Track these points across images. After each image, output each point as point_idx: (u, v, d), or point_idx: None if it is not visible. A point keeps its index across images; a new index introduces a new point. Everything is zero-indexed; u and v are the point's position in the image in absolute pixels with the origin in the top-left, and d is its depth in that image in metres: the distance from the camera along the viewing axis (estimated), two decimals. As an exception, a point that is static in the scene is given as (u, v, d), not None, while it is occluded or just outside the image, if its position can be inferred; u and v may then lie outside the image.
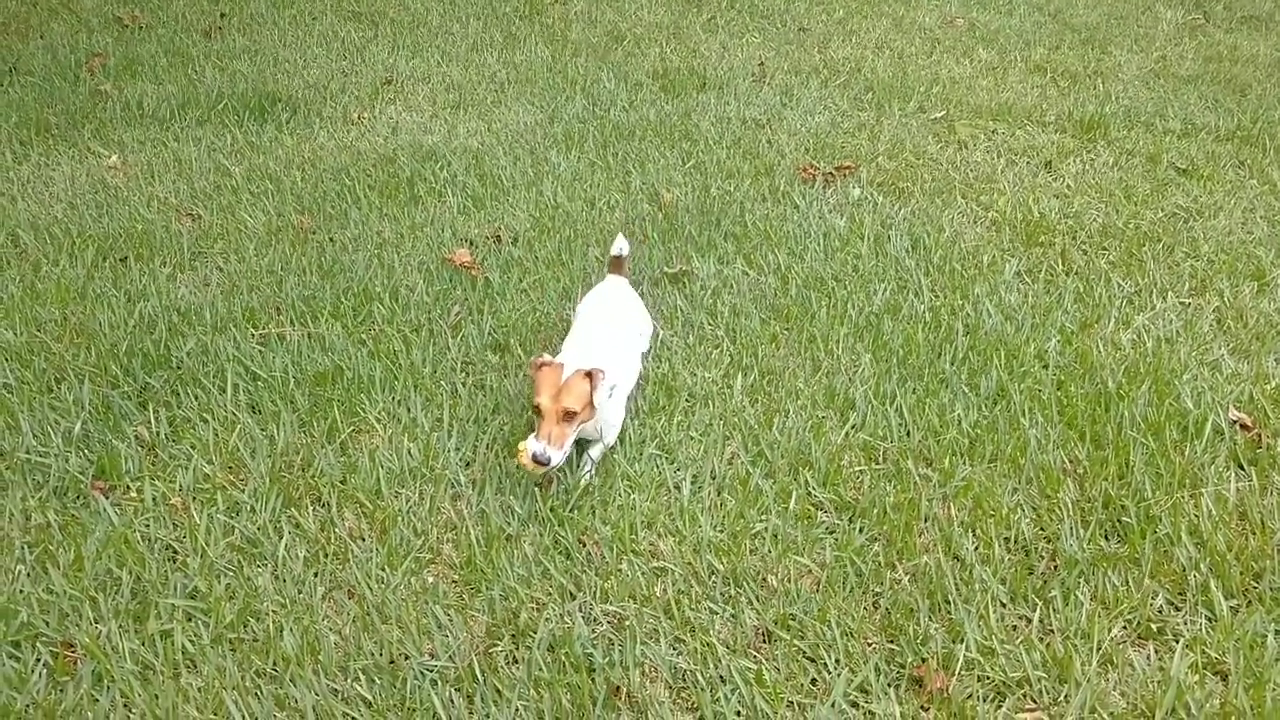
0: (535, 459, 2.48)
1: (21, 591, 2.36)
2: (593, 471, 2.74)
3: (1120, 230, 4.14)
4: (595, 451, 2.80)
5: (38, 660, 2.21)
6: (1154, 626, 2.30)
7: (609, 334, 2.93)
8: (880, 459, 2.86)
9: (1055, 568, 2.46)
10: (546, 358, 2.62)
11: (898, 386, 3.14)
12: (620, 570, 2.44)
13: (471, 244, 4.00)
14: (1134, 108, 5.53)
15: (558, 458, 2.50)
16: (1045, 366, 3.22)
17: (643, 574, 2.44)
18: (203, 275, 3.78)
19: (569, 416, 2.54)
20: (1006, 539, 2.55)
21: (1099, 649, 2.23)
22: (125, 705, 2.12)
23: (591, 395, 2.58)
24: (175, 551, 2.50)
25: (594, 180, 4.57)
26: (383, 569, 2.45)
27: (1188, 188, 4.56)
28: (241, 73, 5.87)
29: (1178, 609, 2.36)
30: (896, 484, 2.74)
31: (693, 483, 2.74)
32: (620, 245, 3.30)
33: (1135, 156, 4.90)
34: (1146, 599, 2.36)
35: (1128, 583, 2.40)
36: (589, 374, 2.59)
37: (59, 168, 4.67)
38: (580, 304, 3.18)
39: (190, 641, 2.25)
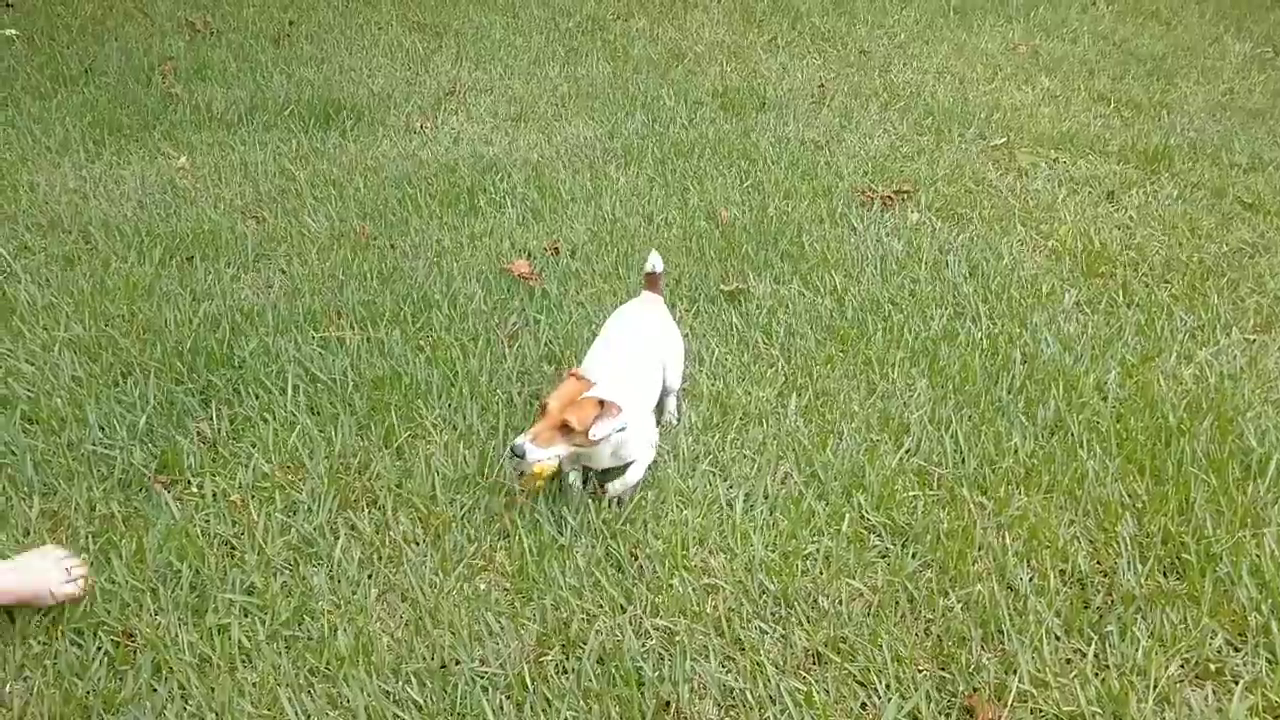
0: (512, 448, 2.44)
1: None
2: (621, 501, 2.70)
3: (1183, 263, 4.09)
4: (615, 485, 2.70)
5: (99, 649, 2.25)
6: (1212, 667, 2.26)
7: (637, 368, 2.80)
8: (935, 485, 2.84)
9: (1112, 602, 2.43)
10: (581, 372, 2.61)
11: (953, 413, 3.12)
12: (671, 585, 2.45)
13: (530, 255, 4.03)
14: (1199, 140, 5.46)
15: (534, 455, 2.43)
16: (1104, 398, 3.19)
17: (694, 590, 2.44)
18: (266, 277, 3.84)
19: (565, 430, 2.47)
20: (1062, 571, 2.53)
21: (1155, 687, 2.20)
22: (183, 697, 2.15)
23: (592, 424, 2.49)
24: (233, 548, 2.55)
25: (652, 196, 4.59)
26: (436, 574, 2.47)
27: (1254, 223, 4.50)
28: (308, 80, 5.97)
29: (1237, 650, 2.32)
30: (950, 510, 2.72)
31: (745, 501, 2.74)
32: (654, 261, 3.13)
33: (1200, 190, 4.84)
34: (1205, 638, 2.32)
35: (1186, 621, 2.36)
36: (603, 403, 2.51)
37: (130, 167, 4.77)
38: (611, 319, 3.02)
39: (246, 637, 2.29)
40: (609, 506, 2.67)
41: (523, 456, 2.44)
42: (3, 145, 4.89)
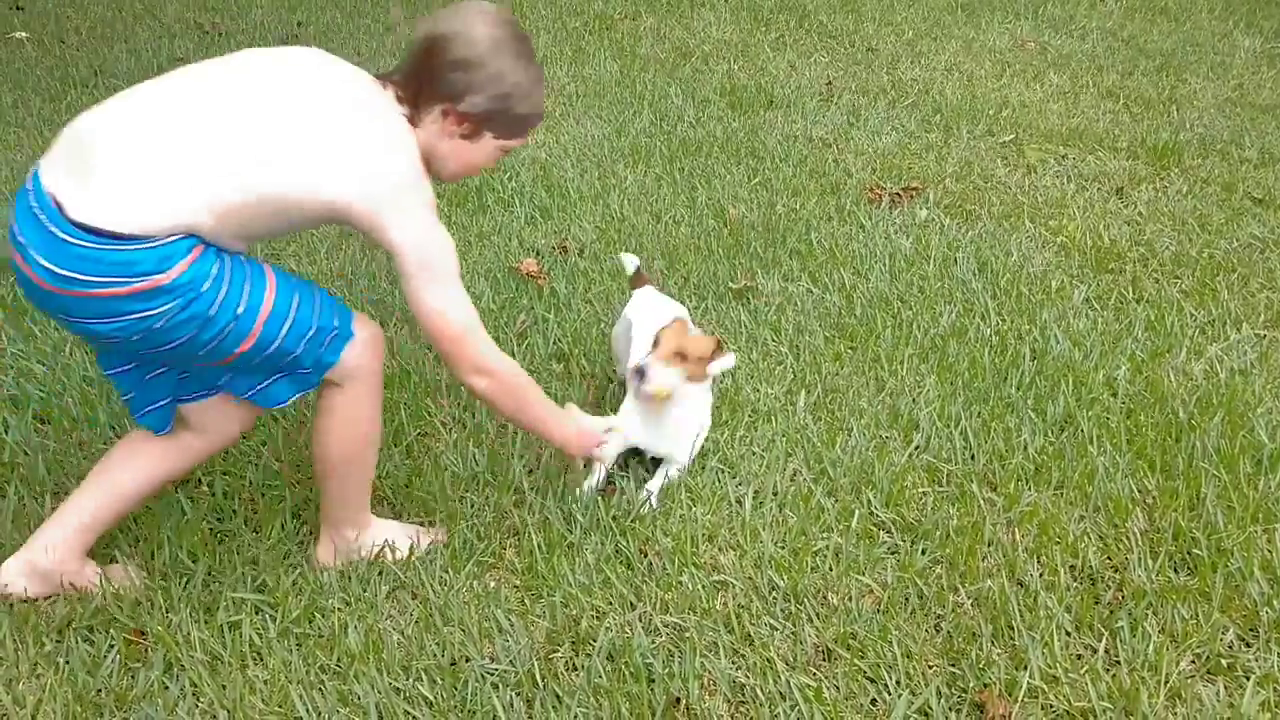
0: (637, 367, 2.61)
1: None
2: (654, 501, 2.73)
3: (1193, 259, 4.08)
4: (654, 483, 2.76)
5: (110, 646, 2.26)
6: (1224, 662, 2.26)
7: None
8: (944, 481, 2.84)
9: (1122, 598, 2.43)
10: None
11: (963, 409, 3.12)
12: (681, 582, 2.45)
13: (538, 254, 4.04)
14: (1209, 136, 5.45)
15: (655, 374, 2.61)
16: (1114, 394, 3.18)
17: (703, 587, 2.44)
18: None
19: (680, 359, 2.64)
20: (1072, 567, 2.52)
21: (1166, 682, 2.19)
22: (194, 694, 2.16)
23: (710, 357, 2.68)
24: (244, 544, 2.55)
25: (660, 195, 4.59)
26: (445, 571, 2.48)
27: (1264, 218, 4.48)
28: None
29: (1249, 645, 2.31)
30: (960, 507, 2.72)
31: (755, 498, 2.74)
32: (629, 261, 3.35)
33: (1210, 185, 4.83)
34: (1216, 634, 2.31)
35: (1197, 616, 2.36)
36: (720, 343, 2.72)
37: (139, 168, 4.78)
38: (631, 311, 3.10)
39: (257, 634, 2.29)
40: (618, 505, 2.68)
41: (644, 374, 2.61)
42: (14, 147, 4.92)
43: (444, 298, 2.21)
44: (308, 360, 2.22)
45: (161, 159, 1.98)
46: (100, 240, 1.94)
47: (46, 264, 1.96)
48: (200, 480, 2.76)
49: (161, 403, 2.29)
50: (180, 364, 2.22)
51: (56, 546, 2.31)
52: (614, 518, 2.63)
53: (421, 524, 2.64)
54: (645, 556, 2.55)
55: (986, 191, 4.74)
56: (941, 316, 3.63)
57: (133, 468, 2.35)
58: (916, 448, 2.95)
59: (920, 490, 2.80)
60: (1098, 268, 4.02)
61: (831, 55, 6.84)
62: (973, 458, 2.93)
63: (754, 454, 2.92)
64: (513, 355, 3.27)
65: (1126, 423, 3.04)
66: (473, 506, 2.69)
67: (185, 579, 2.43)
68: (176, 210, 1.97)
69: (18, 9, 7.23)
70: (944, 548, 2.57)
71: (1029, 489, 2.78)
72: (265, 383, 2.27)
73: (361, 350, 2.28)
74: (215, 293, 2.04)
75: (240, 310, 2.09)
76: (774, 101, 5.87)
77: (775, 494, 2.76)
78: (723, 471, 2.85)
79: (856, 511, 2.68)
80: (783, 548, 2.57)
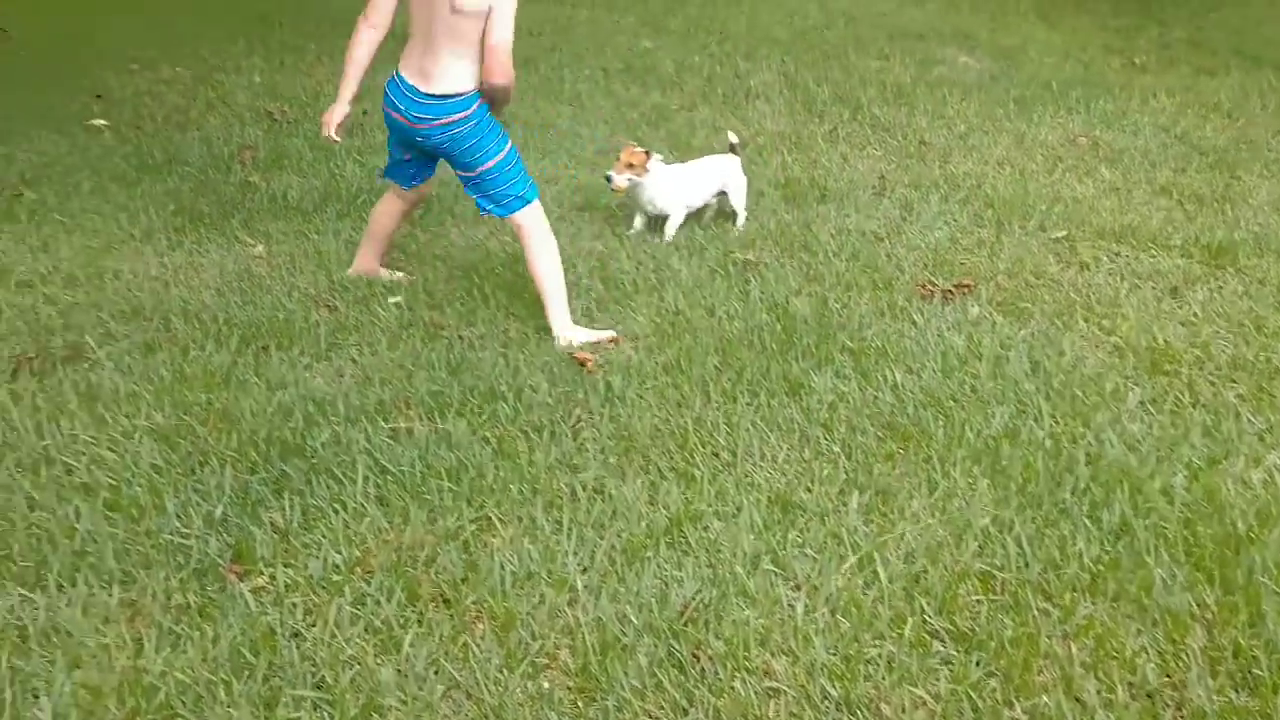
0: (606, 176, 5.05)
1: (160, 670, 2.47)
2: (668, 238, 5.16)
3: (1250, 363, 4.06)
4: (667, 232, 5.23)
5: (173, 739, 2.31)
6: (1287, 789, 2.22)
7: (693, 171, 5.37)
8: (998, 589, 2.83)
9: (1182, 718, 2.40)
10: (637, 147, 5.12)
11: (1016, 514, 3.11)
12: (733, 688, 2.46)
13: (594, 347, 4.11)
14: (1265, 235, 5.43)
15: (616, 179, 5.00)
16: (1171, 503, 3.16)
17: (755, 693, 2.44)
18: (337, 366, 3.96)
19: (629, 166, 4.99)
20: (1130, 683, 2.50)
21: (1228, 808, 2.16)
22: (253, 791, 2.19)
23: (642, 164, 5.01)
24: (304, 639, 2.60)
25: (714, 288, 4.66)
26: (500, 671, 2.51)
27: (1322, 321, 4.45)
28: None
29: (1313, 771, 2.27)
30: (1014, 616, 2.71)
31: (807, 601, 2.75)
32: (732, 137, 5.62)
33: (1266, 286, 4.81)
34: (1279, 758, 2.28)
35: (1259, 739, 2.32)
36: (648, 154, 5.04)
37: (209, 255, 4.95)
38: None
39: (315, 731, 2.33)
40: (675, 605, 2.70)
41: (610, 180, 4.99)
42: (91, 233, 5.11)
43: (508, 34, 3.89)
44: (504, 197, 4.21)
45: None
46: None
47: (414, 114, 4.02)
48: (263, 571, 2.83)
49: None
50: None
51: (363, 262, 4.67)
52: (668, 621, 2.64)
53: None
54: (698, 660, 2.56)
55: (1039, 288, 4.76)
56: (994, 417, 3.63)
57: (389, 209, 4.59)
58: (971, 553, 2.94)
59: (974, 598, 2.79)
60: (1153, 370, 4.01)
61: (884, 148, 6.93)
62: (1027, 565, 2.92)
63: (806, 555, 2.94)
64: (569, 451, 3.35)
65: (1184, 533, 3.01)
66: (529, 604, 2.72)
67: (246, 673, 2.48)
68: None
69: (98, 97, 7.54)
70: (999, 659, 2.56)
71: (1085, 600, 2.76)
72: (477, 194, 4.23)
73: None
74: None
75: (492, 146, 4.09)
76: (827, 194, 5.95)
77: (827, 598, 2.77)
78: (775, 574, 2.86)
79: (909, 618, 2.68)
80: (835, 654, 2.57)
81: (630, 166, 4.95)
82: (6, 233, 5.09)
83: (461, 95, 3.96)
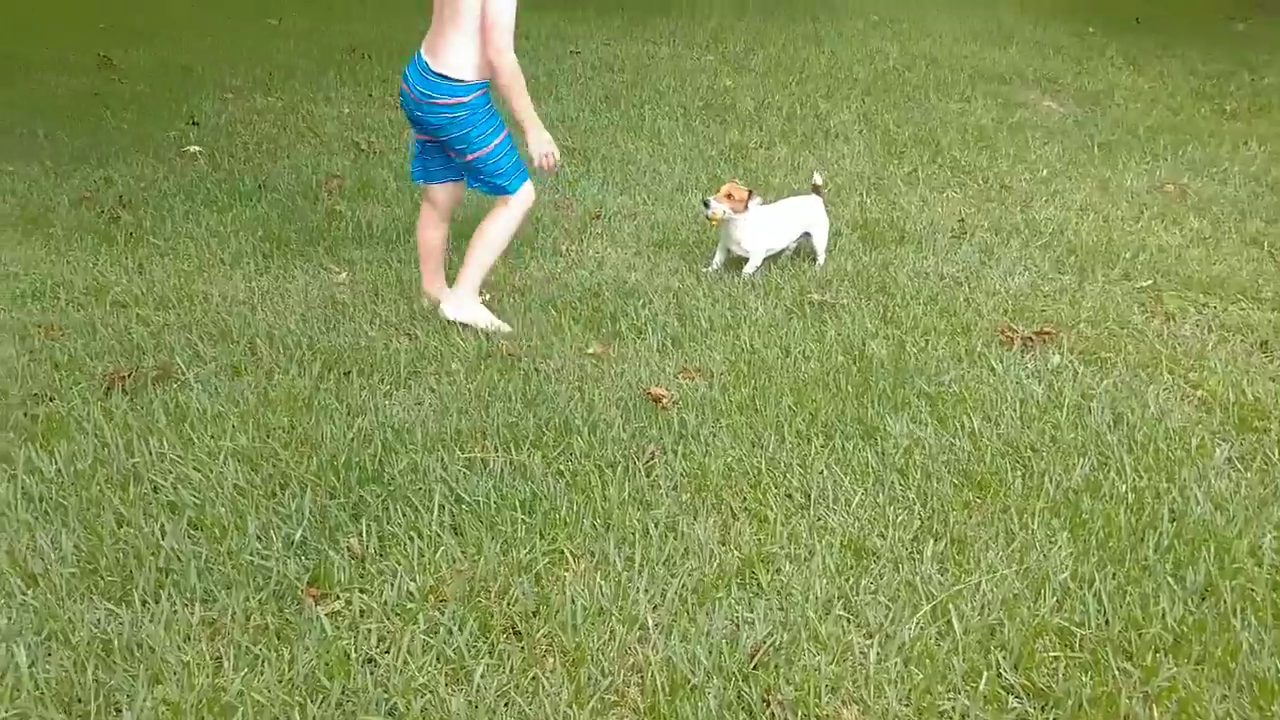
0: (704, 201, 5.14)
1: (239, 690, 2.52)
2: (749, 275, 5.26)
3: (1344, 422, 3.94)
4: (745, 271, 5.30)
5: (249, 759, 2.35)
6: None
7: (780, 214, 5.41)
8: (1076, 647, 2.77)
9: (1269, 789, 2.32)
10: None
11: (1096, 570, 3.05)
12: (803, 736, 2.44)
13: (669, 383, 4.12)
14: (1360, 290, 5.28)
15: (714, 205, 5.07)
16: (1259, 564, 3.07)
17: (826, 742, 2.42)
18: (416, 394, 4.02)
19: (729, 199, 5.10)
20: (1214, 751, 2.43)
21: None
22: (324, 814, 2.22)
23: (746, 200, 5.14)
24: (377, 665, 2.63)
25: (790, 328, 4.66)
26: (570, 706, 2.51)
27: None
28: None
29: None
30: (1094, 675, 2.65)
31: (879, 650, 2.72)
32: (817, 176, 5.73)
33: (1361, 343, 4.67)
34: (1373, 837, 2.19)
35: (1351, 816, 2.24)
36: (751, 193, 5.16)
37: (294, 281, 5.07)
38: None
39: (387, 758, 2.36)
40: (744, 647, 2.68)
41: (708, 206, 5.06)
42: (184, 257, 5.27)
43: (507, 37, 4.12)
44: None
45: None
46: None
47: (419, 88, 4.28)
48: (339, 596, 2.87)
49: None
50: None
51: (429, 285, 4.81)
52: (738, 664, 2.63)
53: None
54: (768, 705, 2.54)
55: (1122, 339, 4.67)
56: (1074, 469, 3.57)
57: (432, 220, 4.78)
58: (1049, 609, 2.89)
59: (1051, 654, 2.74)
60: (1241, 426, 3.91)
61: (964, 191, 6.88)
62: (1107, 623, 2.86)
63: (879, 603, 2.91)
64: (641, 487, 3.36)
65: (1273, 596, 2.93)
66: (599, 640, 2.73)
67: (321, 697, 2.52)
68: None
69: (193, 124, 7.79)
70: (1077, 719, 2.50)
71: (1168, 662, 2.69)
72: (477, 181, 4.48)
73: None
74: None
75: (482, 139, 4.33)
76: (905, 236, 5.92)
77: (900, 648, 2.73)
78: (847, 620, 2.83)
79: (985, 673, 2.64)
80: (907, 705, 2.54)
81: (729, 198, 5.06)
82: (104, 254, 5.27)
83: (461, 82, 4.19)
